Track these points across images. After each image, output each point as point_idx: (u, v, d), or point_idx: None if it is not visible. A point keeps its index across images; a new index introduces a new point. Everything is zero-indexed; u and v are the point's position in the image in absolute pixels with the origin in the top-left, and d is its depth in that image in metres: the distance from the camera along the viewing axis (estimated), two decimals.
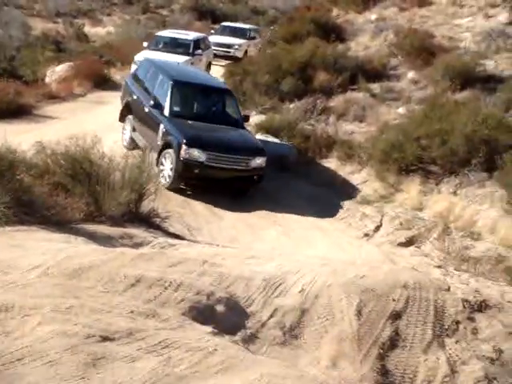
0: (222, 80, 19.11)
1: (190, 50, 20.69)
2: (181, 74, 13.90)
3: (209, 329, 5.00)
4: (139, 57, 19.32)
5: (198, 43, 21.32)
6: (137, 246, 7.50)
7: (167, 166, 12.05)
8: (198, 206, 11.64)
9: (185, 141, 11.75)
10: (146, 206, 9.59)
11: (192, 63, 20.00)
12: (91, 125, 13.85)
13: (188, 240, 9.47)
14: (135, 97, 13.76)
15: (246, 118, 13.68)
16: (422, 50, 17.26)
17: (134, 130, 13.52)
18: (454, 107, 13.72)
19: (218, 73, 22.76)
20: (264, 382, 4.09)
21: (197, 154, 11.72)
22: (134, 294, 5.24)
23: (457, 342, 5.79)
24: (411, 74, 17.14)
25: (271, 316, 5.75)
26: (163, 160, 12.15)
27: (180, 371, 4.09)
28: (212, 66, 23.62)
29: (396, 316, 5.95)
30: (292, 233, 11.06)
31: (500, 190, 11.65)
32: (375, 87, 16.81)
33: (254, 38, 28.76)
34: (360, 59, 18.19)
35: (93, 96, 19.25)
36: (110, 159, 9.31)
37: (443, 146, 12.65)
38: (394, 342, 5.65)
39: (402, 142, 13.01)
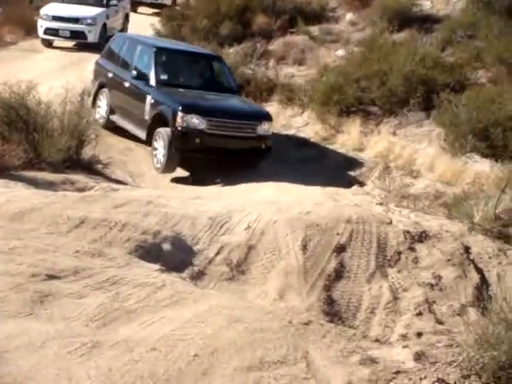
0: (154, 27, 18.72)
1: (104, 1, 19.22)
2: (162, 42, 13.10)
3: (156, 266, 5.03)
4: (45, 10, 18.59)
5: None
6: (79, 191, 7.39)
7: (160, 144, 10.43)
8: (141, 153, 11.49)
9: (180, 107, 10.24)
10: (87, 152, 9.45)
11: (107, 16, 19.03)
12: (25, 73, 13.39)
13: (131, 185, 9.39)
14: (111, 74, 12.10)
15: (242, 87, 12.56)
16: None
17: (112, 111, 11.86)
18: (392, 48, 13.79)
19: (141, 22, 22.06)
20: (213, 312, 4.14)
21: (196, 120, 10.20)
22: (78, 234, 5.21)
23: (399, 271, 5.96)
24: (350, 16, 17.10)
25: (218, 253, 5.81)
26: (156, 141, 10.56)
27: (129, 305, 4.10)
28: (136, 16, 22.62)
29: (341, 249, 6.08)
30: None
31: (437, 129, 11.87)
32: (314, 30, 16.70)
33: None
34: (299, 1, 18.02)
35: (25, 44, 18.62)
36: (47, 106, 9.08)
37: (382, 87, 12.73)
38: (339, 274, 5.78)
39: (341, 83, 13.04)
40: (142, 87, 11.12)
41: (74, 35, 18.42)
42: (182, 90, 11.08)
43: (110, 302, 4.09)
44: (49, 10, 18.72)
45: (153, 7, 24.95)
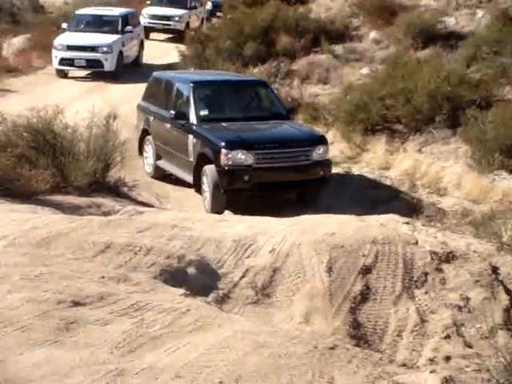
0: (176, 52, 18.85)
1: (119, 28, 18.79)
2: (199, 76, 12.53)
3: (181, 291, 5.02)
4: (59, 40, 18.15)
5: (126, 19, 19.36)
6: (105, 214, 7.47)
7: (206, 185, 9.77)
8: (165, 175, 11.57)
9: (223, 144, 9.52)
10: (112, 175, 9.56)
11: (123, 43, 18.58)
12: (53, 97, 13.62)
13: (156, 207, 9.46)
14: (152, 117, 11.56)
15: (292, 110, 11.74)
16: (383, 9, 17.26)
17: (158, 157, 11.30)
18: (416, 65, 13.80)
19: (156, 48, 22.27)
20: (238, 338, 4.13)
21: (242, 156, 9.44)
22: (103, 260, 5.24)
23: (426, 292, 5.88)
24: (373, 34, 17.15)
25: (243, 276, 5.78)
26: (203, 182, 9.86)
27: (154, 332, 4.11)
28: (150, 42, 22.44)
29: (366, 271, 6.01)
30: None
31: (464, 146, 11.81)
32: (338, 48, 16.80)
33: (195, 8, 26.16)
34: (322, 21, 18.15)
35: (53, 68, 18.83)
36: (74, 129, 9.22)
37: (407, 105, 12.73)
38: (364, 296, 5.71)
39: (366, 102, 13.07)
40: (182, 127, 10.47)
41: (90, 64, 17.94)
42: (225, 124, 10.30)
43: (135, 328, 4.10)
44: (63, 39, 18.30)
45: (165, 33, 24.50)
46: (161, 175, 11.35)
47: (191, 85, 10.81)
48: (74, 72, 18.45)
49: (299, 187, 10.04)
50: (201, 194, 10.09)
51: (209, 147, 9.81)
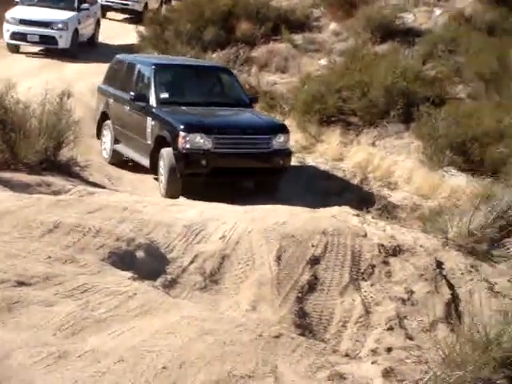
0: (133, 34, 18.56)
1: (75, 4, 18.14)
2: (162, 59, 12.37)
3: (129, 274, 4.99)
4: (11, 14, 17.52)
5: None
6: (55, 193, 7.33)
7: (162, 168, 9.59)
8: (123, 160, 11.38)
9: (182, 126, 9.35)
10: (64, 154, 9.39)
11: (79, 20, 18.02)
12: (4, 71, 13.31)
13: (108, 189, 9.35)
14: (112, 100, 11.32)
15: (255, 99, 11.55)
16: (344, 2, 17.32)
17: (116, 141, 11.02)
18: (374, 59, 13.92)
19: (113, 28, 21.91)
20: (184, 323, 4.12)
21: (200, 140, 9.28)
22: (51, 240, 5.16)
23: (372, 284, 5.96)
24: (333, 26, 17.23)
25: (192, 262, 5.77)
26: (160, 166, 9.66)
27: (99, 315, 4.08)
28: (108, 22, 22.01)
29: (315, 261, 6.06)
30: None
31: (416, 142, 11.98)
32: (298, 38, 16.82)
33: None
34: (283, 9, 18.13)
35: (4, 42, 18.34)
36: (26, 105, 9.01)
37: (363, 98, 12.85)
38: (312, 286, 5.76)
39: (323, 93, 13.14)
40: (141, 109, 10.25)
41: (44, 40, 17.30)
42: (185, 108, 10.12)
43: (79, 310, 4.06)
44: (16, 13, 17.57)
45: (123, 13, 24.06)
46: (118, 161, 11.11)
47: (153, 67, 10.61)
48: (26, 47, 17.88)
49: (257, 175, 9.92)
50: (157, 179, 9.95)
51: (167, 130, 9.62)
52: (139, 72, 10.90)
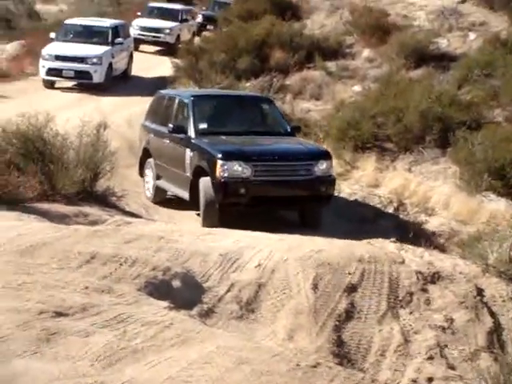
0: (165, 65, 18.75)
1: (109, 39, 18.25)
2: (200, 92, 12.34)
3: (165, 304, 4.99)
4: (47, 50, 17.68)
5: (116, 30, 18.84)
6: (92, 224, 7.43)
7: (200, 198, 9.29)
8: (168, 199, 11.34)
9: (219, 155, 9.10)
10: (101, 184, 9.52)
11: (113, 55, 18.16)
12: (44, 104, 13.58)
13: (144, 218, 9.42)
14: (152, 135, 11.16)
15: (297, 129, 11.05)
16: (377, 29, 17.38)
17: (158, 177, 10.74)
18: (408, 85, 13.88)
19: (145, 60, 22.10)
20: (220, 353, 4.10)
21: (238, 167, 9.01)
22: (88, 270, 5.21)
23: (410, 312, 5.89)
24: (366, 53, 17.26)
25: (228, 291, 5.77)
26: (200, 195, 9.30)
27: (135, 345, 4.07)
28: (139, 54, 22.07)
29: (352, 289, 6.02)
30: None
31: (453, 167, 11.87)
32: (331, 65, 16.89)
33: (186, 21, 25.72)
34: (316, 37, 18.25)
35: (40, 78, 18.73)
36: (64, 137, 9.18)
37: (398, 124, 12.81)
38: (349, 314, 5.71)
39: (357, 119, 13.12)
40: (180, 141, 10.06)
41: (79, 75, 17.47)
42: (224, 137, 9.88)
43: (116, 340, 4.07)
44: (51, 49, 17.77)
45: (155, 45, 24.20)
46: (162, 199, 10.79)
47: (191, 98, 10.52)
48: (61, 82, 18.01)
49: (299, 204, 9.60)
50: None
51: (205, 159, 9.43)
52: (178, 105, 10.77)
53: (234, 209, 9.24)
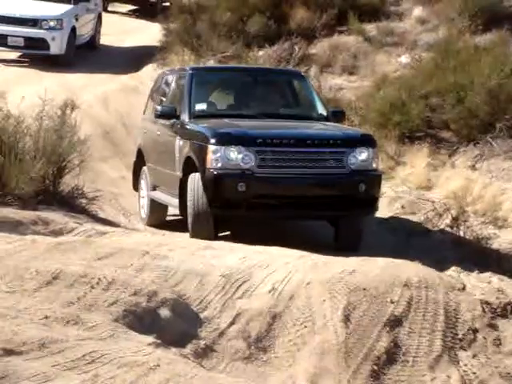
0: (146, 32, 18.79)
1: None
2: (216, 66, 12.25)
3: (150, 339, 5.03)
4: None
5: None
6: (54, 234, 7.49)
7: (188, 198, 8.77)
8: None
9: (212, 139, 8.50)
10: (67, 183, 9.59)
11: (77, 16, 17.69)
12: None
13: (124, 228, 9.48)
14: (145, 131, 10.96)
15: (338, 115, 10.12)
16: None
17: (154, 188, 10.32)
18: (473, 55, 13.88)
19: (118, 24, 22.06)
20: None
21: (237, 155, 8.37)
22: (49, 294, 5.24)
23: (474, 355, 5.91)
24: (418, 11, 17.28)
25: (232, 323, 5.80)
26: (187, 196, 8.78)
27: None
28: (108, 16, 21.79)
29: (395, 322, 6.05)
30: None
31: None
32: (370, 29, 16.93)
33: None
34: None
35: None
36: (18, 120, 9.25)
37: (459, 106, 12.83)
38: (392, 356, 5.74)
39: (404, 100, 13.17)
40: (170, 128, 9.68)
41: (31, 44, 16.80)
42: (227, 120, 9.36)
43: None
44: None
45: (130, 2, 24.20)
46: (161, 221, 10.43)
47: (190, 71, 10.17)
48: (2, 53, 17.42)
49: (324, 210, 8.75)
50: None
51: (195, 146, 8.86)
52: (176, 82, 10.47)
53: (230, 213, 8.76)
